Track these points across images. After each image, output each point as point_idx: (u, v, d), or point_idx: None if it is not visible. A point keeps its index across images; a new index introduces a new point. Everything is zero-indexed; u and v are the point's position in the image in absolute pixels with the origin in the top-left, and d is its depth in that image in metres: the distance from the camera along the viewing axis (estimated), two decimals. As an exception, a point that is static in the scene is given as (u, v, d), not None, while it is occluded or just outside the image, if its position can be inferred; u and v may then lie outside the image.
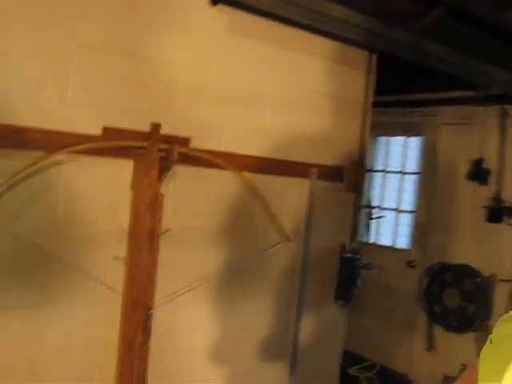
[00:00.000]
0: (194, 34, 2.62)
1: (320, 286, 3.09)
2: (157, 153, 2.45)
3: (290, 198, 2.95)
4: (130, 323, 2.50)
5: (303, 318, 3.01)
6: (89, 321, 2.45)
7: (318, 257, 3.05)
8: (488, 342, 0.93)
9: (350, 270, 3.06)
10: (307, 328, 3.03)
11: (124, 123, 2.45)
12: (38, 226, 2.32)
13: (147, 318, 2.51)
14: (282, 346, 3.00)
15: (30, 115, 2.26)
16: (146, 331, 2.53)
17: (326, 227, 3.07)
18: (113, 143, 2.41)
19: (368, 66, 3.18)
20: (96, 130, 2.39)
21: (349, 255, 3.06)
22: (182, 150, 2.52)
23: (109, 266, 2.48)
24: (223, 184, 2.74)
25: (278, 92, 2.85)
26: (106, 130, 2.42)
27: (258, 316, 2.89)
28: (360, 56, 3.15)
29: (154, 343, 2.58)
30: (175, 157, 2.44)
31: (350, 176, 3.11)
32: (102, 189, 2.44)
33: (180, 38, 2.58)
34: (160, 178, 2.53)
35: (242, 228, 2.80)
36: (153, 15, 2.50)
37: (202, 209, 2.70)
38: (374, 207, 4.51)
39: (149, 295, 2.55)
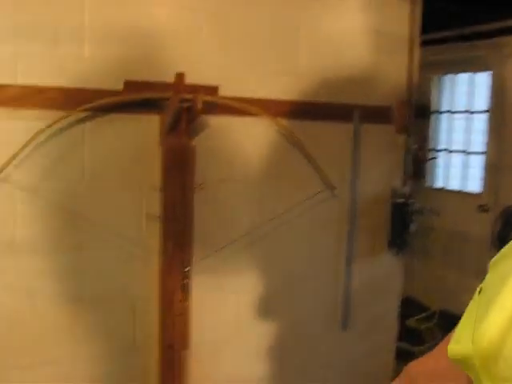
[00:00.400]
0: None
1: (371, 234, 2.92)
2: (181, 103, 2.36)
3: (333, 144, 2.78)
4: (168, 281, 2.46)
5: (354, 268, 2.86)
6: (126, 280, 2.43)
7: (367, 204, 2.88)
8: (476, 293, 0.77)
9: (402, 216, 2.87)
10: (359, 279, 2.89)
11: (146, 76, 2.36)
12: (67, 187, 2.30)
13: (185, 276, 2.47)
14: (332, 299, 2.87)
15: (48, 74, 2.22)
16: (185, 289, 2.49)
17: (375, 172, 2.88)
18: (135, 96, 2.33)
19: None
20: (117, 85, 2.32)
21: (400, 200, 2.87)
22: (209, 98, 2.41)
23: (143, 223, 2.44)
24: (258, 133, 2.60)
25: (311, 29, 2.65)
26: (127, 83, 2.33)
27: (304, 267, 2.77)
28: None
29: (195, 300, 2.54)
30: (200, 106, 2.32)
31: (399, 116, 2.89)
32: (130, 146, 2.37)
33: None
34: (188, 130, 2.45)
35: (281, 178, 2.66)
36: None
37: (237, 160, 2.59)
38: (427, 149, 4.21)
39: (185, 252, 2.49)
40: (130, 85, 2.34)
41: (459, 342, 0.80)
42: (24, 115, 2.18)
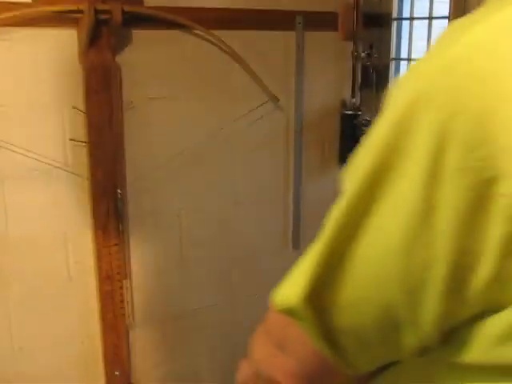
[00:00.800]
0: None
1: (320, 149, 2.78)
2: (98, 15, 2.14)
3: (274, 55, 2.57)
4: (100, 208, 2.33)
5: (303, 186, 2.75)
6: (55, 213, 2.29)
7: (315, 117, 2.72)
8: None
9: (352, 129, 2.73)
10: (309, 197, 2.77)
11: (59, -15, 2.15)
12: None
13: (117, 201, 2.34)
14: (281, 218, 2.78)
15: None
16: (119, 215, 2.36)
17: (321, 83, 2.70)
18: (45, 8, 2.10)
19: None
20: (26, -3, 2.10)
21: (349, 112, 2.73)
22: (129, 8, 2.19)
23: (68, 149, 2.28)
24: (191, 46, 2.38)
25: None
26: (36, -5, 2.13)
27: (249, 187, 2.63)
28: None
29: (131, 227, 2.43)
30: (119, 18, 2.12)
31: (345, 22, 2.68)
32: (46, 65, 2.17)
33: None
34: (110, 46, 2.24)
35: (218, 94, 2.47)
36: None
37: (169, 76, 2.38)
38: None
39: (117, 177, 2.34)
40: (38, -4, 2.12)
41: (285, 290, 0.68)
42: None
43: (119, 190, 2.28)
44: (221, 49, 2.41)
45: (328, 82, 2.72)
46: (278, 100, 2.55)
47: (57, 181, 2.24)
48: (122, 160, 2.32)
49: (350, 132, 2.72)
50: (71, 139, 2.21)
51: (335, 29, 2.68)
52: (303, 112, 2.69)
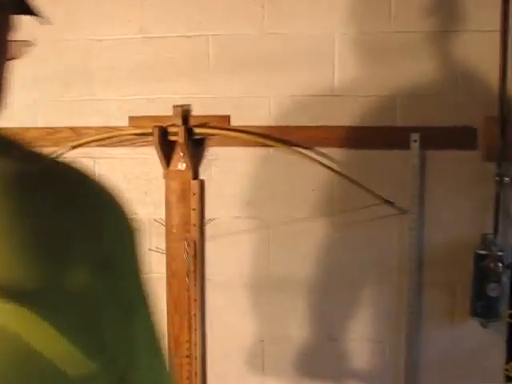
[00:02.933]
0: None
1: (448, 293, 2.19)
2: (186, 135, 2.24)
3: (387, 176, 2.21)
4: (174, 321, 2.35)
5: (421, 337, 2.20)
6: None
7: (439, 252, 2.19)
8: None
9: (488, 273, 2.09)
10: (430, 353, 2.20)
11: (152, 110, 2.34)
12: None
13: (190, 316, 2.31)
14: (389, 371, 2.27)
15: (60, 116, 2.41)
16: (193, 330, 2.33)
17: (450, 211, 2.16)
18: (139, 130, 2.32)
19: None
20: (123, 121, 2.36)
21: (485, 252, 2.09)
22: (215, 131, 2.25)
23: (152, 258, 2.39)
24: (281, 164, 2.27)
25: (348, 40, 2.19)
26: (132, 119, 2.36)
27: (347, 326, 2.27)
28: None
29: (210, 342, 2.37)
30: (182, 138, 2.18)
31: (487, 139, 2.12)
32: (136, 179, 2.38)
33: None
34: (194, 164, 2.30)
35: (310, 216, 2.26)
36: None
37: (255, 195, 2.30)
38: None
39: (190, 290, 2.33)
40: (134, 120, 2.36)
41: None
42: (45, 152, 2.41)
43: (193, 312, 2.30)
44: (319, 169, 2.22)
45: (458, 210, 2.16)
46: (393, 203, 2.18)
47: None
48: (195, 274, 2.34)
49: (487, 277, 2.10)
50: (150, 249, 2.35)
51: (472, 146, 2.15)
52: (424, 244, 2.21)
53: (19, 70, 2.53)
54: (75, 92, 2.39)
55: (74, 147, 2.36)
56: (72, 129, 2.38)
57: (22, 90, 2.40)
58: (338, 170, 2.22)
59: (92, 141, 2.34)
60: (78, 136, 2.37)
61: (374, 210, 2.21)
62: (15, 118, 2.38)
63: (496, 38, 2.09)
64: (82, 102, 2.38)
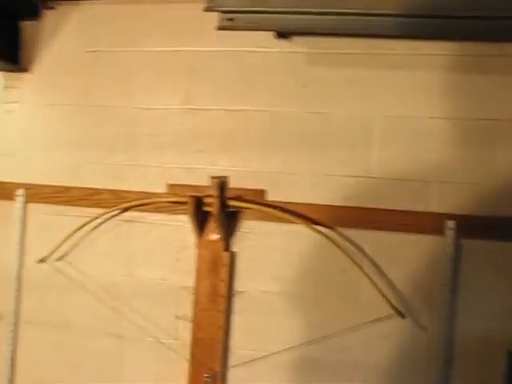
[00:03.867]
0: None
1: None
2: (221, 207, 2.27)
3: (417, 262, 2.17)
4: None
5: None
6: (158, 379, 2.42)
7: (470, 348, 2.10)
8: None
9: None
10: None
11: (190, 179, 2.39)
12: (112, 281, 2.50)
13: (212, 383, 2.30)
14: None
15: (102, 178, 2.50)
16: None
17: (484, 305, 2.10)
18: (175, 198, 2.37)
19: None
20: (161, 188, 2.42)
21: (518, 351, 2.00)
22: (248, 205, 2.28)
23: (179, 325, 2.40)
24: (312, 242, 2.26)
25: (388, 122, 2.20)
26: (170, 186, 2.41)
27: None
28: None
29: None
30: (216, 209, 2.21)
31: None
32: (169, 245, 2.43)
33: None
34: (227, 235, 2.32)
35: (337, 297, 2.23)
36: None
37: (286, 271, 2.29)
38: None
39: (214, 360, 2.32)
40: (172, 188, 2.41)
41: None
42: (84, 212, 2.50)
43: (206, 375, 2.28)
44: (344, 250, 2.20)
45: (493, 304, 2.09)
46: (404, 317, 2.12)
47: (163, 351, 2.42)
48: (223, 344, 2.33)
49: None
50: (177, 317, 2.36)
51: (508, 238, 2.09)
52: (454, 336, 2.13)
53: (69, 130, 2.70)
54: (119, 156, 2.49)
55: (113, 209, 2.46)
56: (112, 191, 2.47)
57: (70, 151, 2.54)
58: (368, 252, 2.23)
59: (131, 206, 2.43)
60: (118, 199, 2.45)
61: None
62: (61, 176, 2.51)
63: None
64: (124, 167, 2.47)
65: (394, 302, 2.18)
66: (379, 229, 2.23)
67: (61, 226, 2.53)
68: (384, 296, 2.16)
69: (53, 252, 2.50)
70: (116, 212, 2.48)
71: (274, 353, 2.30)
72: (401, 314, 2.15)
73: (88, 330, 2.52)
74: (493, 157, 2.15)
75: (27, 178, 2.61)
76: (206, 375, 2.32)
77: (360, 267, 2.19)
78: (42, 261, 2.51)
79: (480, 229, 2.14)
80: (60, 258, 2.54)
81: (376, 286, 2.17)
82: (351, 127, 2.27)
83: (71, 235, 2.48)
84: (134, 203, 2.40)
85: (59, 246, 2.49)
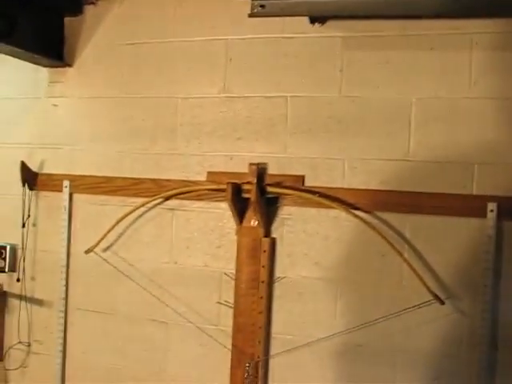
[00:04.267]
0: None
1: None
2: (259, 194, 2.28)
3: (458, 245, 2.14)
4: (237, 374, 2.35)
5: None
6: (201, 365, 2.47)
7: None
8: None
9: None
10: None
11: (229, 167, 2.42)
12: (155, 268, 2.55)
13: (254, 370, 2.31)
14: None
15: (144, 167, 2.55)
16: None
17: None
18: (215, 186, 2.40)
19: None
20: (202, 176, 2.45)
21: None
22: (287, 191, 2.29)
23: (221, 311, 2.43)
24: (352, 227, 2.25)
25: (425, 105, 2.16)
26: (210, 174, 2.45)
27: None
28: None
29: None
30: (254, 195, 2.22)
31: None
32: (210, 233, 2.46)
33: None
34: (266, 221, 2.33)
35: (376, 282, 2.21)
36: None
37: (326, 256, 2.29)
38: None
39: (255, 346, 2.33)
40: (212, 175, 2.45)
41: None
42: (127, 201, 2.57)
43: (248, 364, 2.31)
44: (384, 235, 2.17)
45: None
46: (443, 303, 2.09)
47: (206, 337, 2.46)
48: (261, 332, 2.35)
49: None
50: (218, 302, 2.39)
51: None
52: (498, 323, 2.09)
53: (112, 122, 2.78)
54: (160, 146, 2.54)
55: (155, 198, 2.51)
56: (154, 180, 2.52)
57: (113, 141, 2.60)
58: (408, 237, 2.21)
59: (172, 195, 2.47)
60: (159, 188, 2.50)
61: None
62: (104, 166, 2.57)
63: None
64: (165, 156, 2.52)
65: (434, 286, 2.15)
66: (418, 213, 2.21)
67: (105, 215, 2.61)
68: (424, 282, 2.13)
69: (98, 242, 2.57)
70: (158, 201, 2.53)
71: (317, 340, 2.31)
72: (440, 300, 2.13)
73: (133, 316, 2.59)
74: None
75: (73, 169, 2.70)
76: (247, 364, 2.36)
77: (399, 252, 2.20)
78: (89, 251, 2.60)
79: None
80: (106, 249, 2.62)
81: (415, 271, 2.17)
82: (388, 110, 2.25)
83: (115, 225, 2.55)
84: (174, 191, 2.45)
85: (104, 236, 2.56)
